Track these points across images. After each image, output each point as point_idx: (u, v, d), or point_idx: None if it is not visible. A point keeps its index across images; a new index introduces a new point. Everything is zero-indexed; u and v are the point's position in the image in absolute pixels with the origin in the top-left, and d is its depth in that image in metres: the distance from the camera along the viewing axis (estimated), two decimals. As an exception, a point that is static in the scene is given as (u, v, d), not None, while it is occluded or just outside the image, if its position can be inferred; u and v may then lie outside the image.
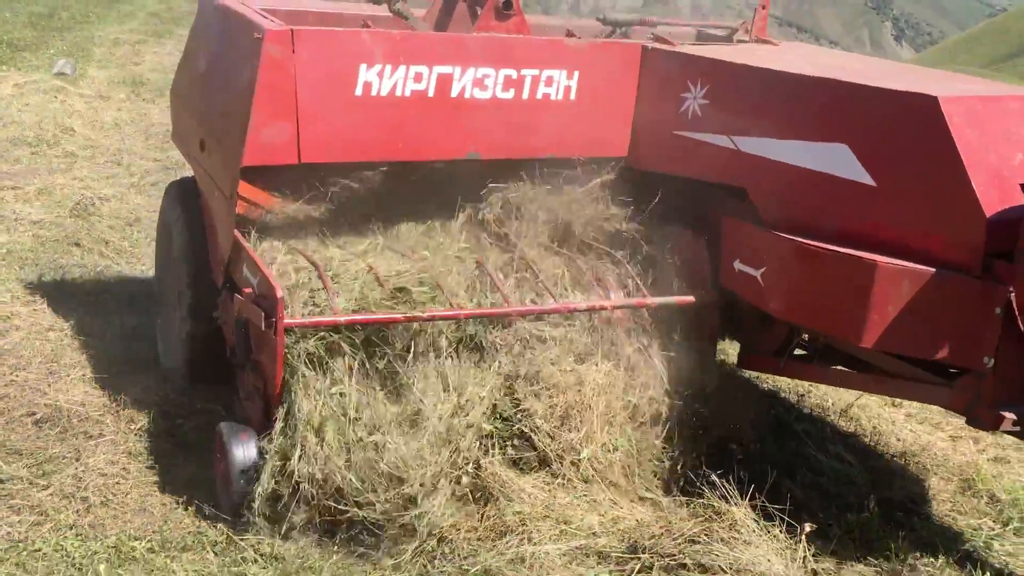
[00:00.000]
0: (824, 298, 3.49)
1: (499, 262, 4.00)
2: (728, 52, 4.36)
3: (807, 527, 3.38)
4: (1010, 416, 3.18)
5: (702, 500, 3.55)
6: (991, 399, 3.21)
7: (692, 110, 4.15)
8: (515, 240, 4.09)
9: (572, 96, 4.20)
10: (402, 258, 3.90)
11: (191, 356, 4.41)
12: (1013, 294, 3.10)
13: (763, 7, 4.91)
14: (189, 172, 4.81)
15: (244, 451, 3.36)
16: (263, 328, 3.28)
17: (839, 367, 3.87)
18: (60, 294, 5.59)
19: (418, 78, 3.91)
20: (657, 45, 4.39)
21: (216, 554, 3.35)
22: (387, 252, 3.95)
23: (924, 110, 3.33)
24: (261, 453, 3.37)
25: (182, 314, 4.41)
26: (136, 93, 11.23)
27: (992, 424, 3.21)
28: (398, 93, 3.89)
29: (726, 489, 3.51)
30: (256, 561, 3.30)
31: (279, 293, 3.28)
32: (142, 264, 6.27)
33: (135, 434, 4.14)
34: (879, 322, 3.31)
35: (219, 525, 3.50)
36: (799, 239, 3.57)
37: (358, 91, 3.83)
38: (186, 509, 3.62)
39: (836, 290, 3.43)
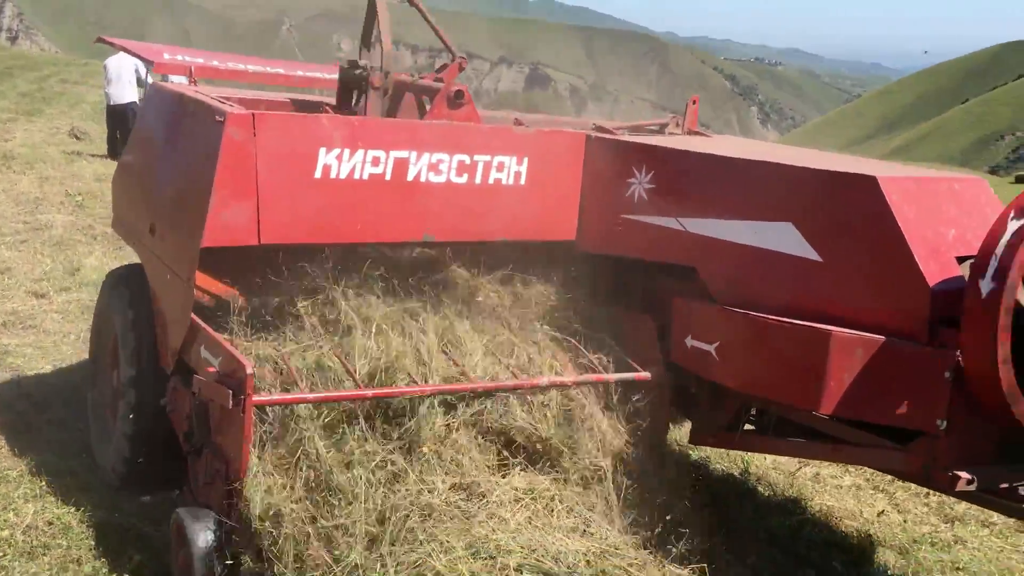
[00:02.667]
0: (780, 369, 3.58)
1: (463, 339, 3.99)
2: (669, 141, 4.55)
3: None
4: (964, 476, 3.27)
5: None
6: (946, 461, 3.31)
7: (638, 194, 4.28)
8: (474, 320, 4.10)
9: (522, 181, 4.30)
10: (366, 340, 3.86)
11: (132, 454, 4.23)
12: (961, 358, 3.25)
13: (693, 102, 5.16)
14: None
15: (205, 537, 3.20)
16: (231, 406, 3.18)
17: (793, 438, 3.95)
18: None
19: (375, 162, 3.96)
20: (599, 134, 4.56)
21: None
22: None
23: (865, 189, 3.52)
24: (223, 538, 3.22)
25: (124, 409, 4.24)
26: (7, 166, 12.40)
27: (948, 485, 3.31)
28: (356, 176, 3.92)
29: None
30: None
31: (249, 369, 3.19)
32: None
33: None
34: (836, 389, 3.41)
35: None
36: (752, 313, 3.68)
37: (317, 174, 3.84)
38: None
39: (792, 360, 3.53)
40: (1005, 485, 3.39)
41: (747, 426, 4.27)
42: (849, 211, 3.56)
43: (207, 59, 4.90)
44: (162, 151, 4.25)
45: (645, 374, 4.04)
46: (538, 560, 3.18)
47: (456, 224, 4.17)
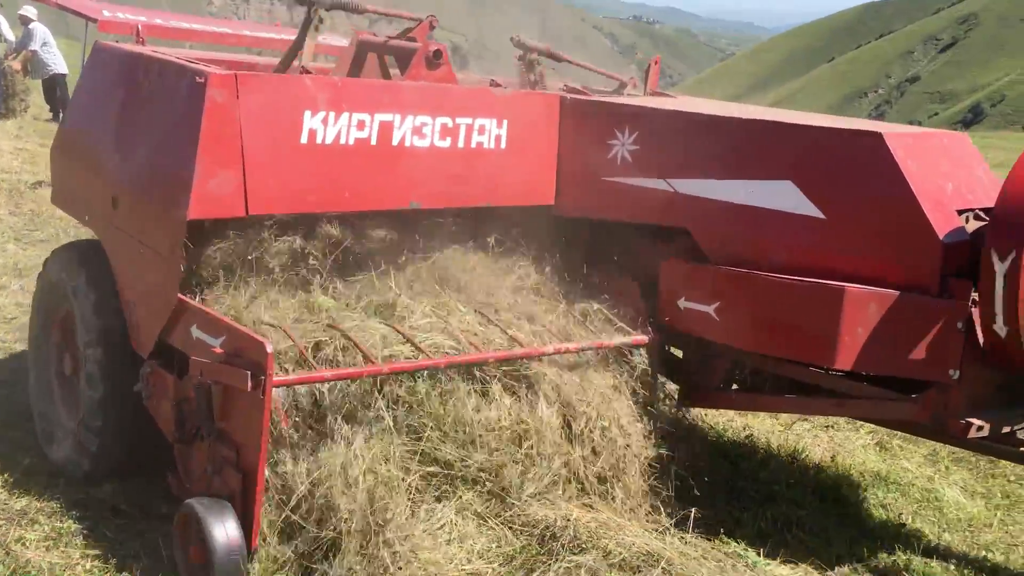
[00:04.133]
0: (791, 327, 3.57)
1: (457, 313, 3.83)
2: (650, 102, 4.46)
3: None
4: (976, 423, 3.35)
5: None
6: (957, 409, 3.38)
7: (621, 156, 4.19)
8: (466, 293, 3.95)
9: (503, 145, 4.15)
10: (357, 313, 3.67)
11: (100, 448, 3.93)
12: (975, 310, 3.30)
13: (655, 63, 5.09)
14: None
15: (226, 530, 2.99)
16: (249, 389, 2.95)
17: (794, 395, 3.96)
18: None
19: (360, 126, 3.74)
20: (575, 96, 4.44)
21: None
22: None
23: (870, 145, 3.51)
24: (245, 529, 3.01)
25: (90, 400, 3.92)
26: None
27: (961, 432, 3.37)
28: (342, 141, 3.70)
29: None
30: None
31: (268, 348, 2.97)
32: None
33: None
34: (850, 345, 3.42)
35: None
36: (759, 273, 3.65)
37: (303, 139, 3.61)
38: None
39: (804, 318, 3.52)
40: (1007, 430, 3.47)
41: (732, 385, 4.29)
42: (854, 168, 3.55)
43: (150, 17, 4.52)
44: (121, 117, 3.89)
45: (643, 337, 3.98)
46: None
47: (441, 190, 3.99)
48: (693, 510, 3.65)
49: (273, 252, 3.75)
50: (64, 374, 4.31)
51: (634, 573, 3.17)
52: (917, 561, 3.88)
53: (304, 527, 3.12)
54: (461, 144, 4.01)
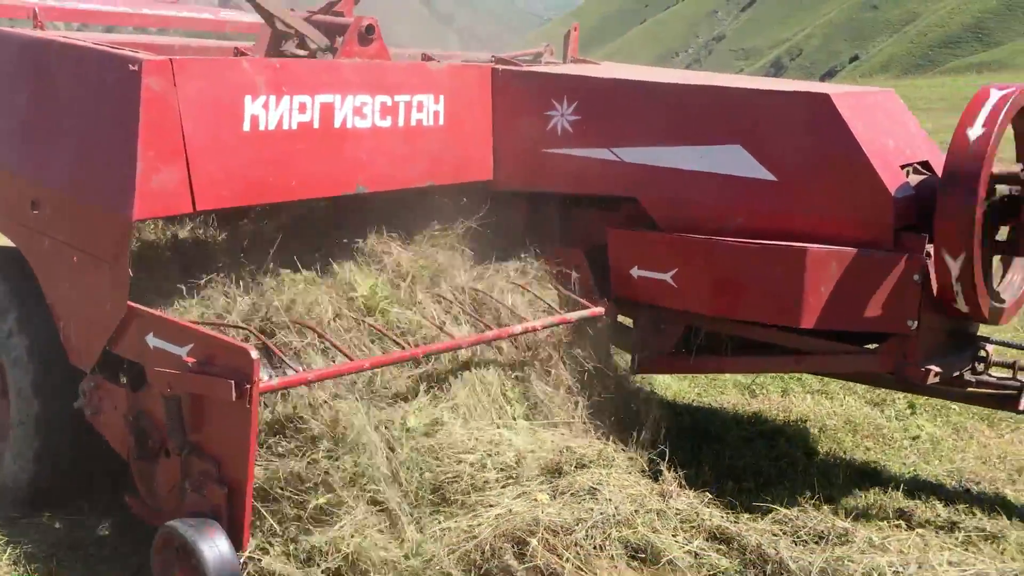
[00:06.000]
0: (753, 290, 3.60)
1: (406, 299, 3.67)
2: (584, 70, 4.38)
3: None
4: (934, 369, 3.48)
5: None
6: (916, 357, 3.50)
7: (561, 127, 4.10)
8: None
9: (441, 121, 3.97)
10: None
11: (37, 474, 3.55)
12: (929, 261, 3.43)
13: (575, 29, 5.00)
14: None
15: (218, 549, 2.74)
16: (234, 398, 2.70)
17: (752, 355, 4.01)
18: None
19: (302, 108, 3.48)
20: (507, 67, 4.31)
21: None
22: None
23: (818, 106, 3.57)
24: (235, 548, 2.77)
25: (22, 425, 3.52)
26: None
27: (921, 379, 3.50)
28: (285, 126, 3.43)
29: None
30: None
31: (253, 354, 2.72)
32: None
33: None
34: (814, 303, 3.48)
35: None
36: (717, 238, 3.66)
37: (246, 126, 3.32)
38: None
39: (767, 280, 3.54)
40: (956, 373, 3.65)
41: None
42: (803, 129, 3.59)
43: (42, -1, 4.03)
44: (31, 112, 3.46)
45: (599, 309, 3.93)
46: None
47: (385, 172, 3.78)
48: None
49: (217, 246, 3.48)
50: None
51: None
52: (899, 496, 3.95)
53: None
54: (401, 123, 3.82)
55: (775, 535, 3.11)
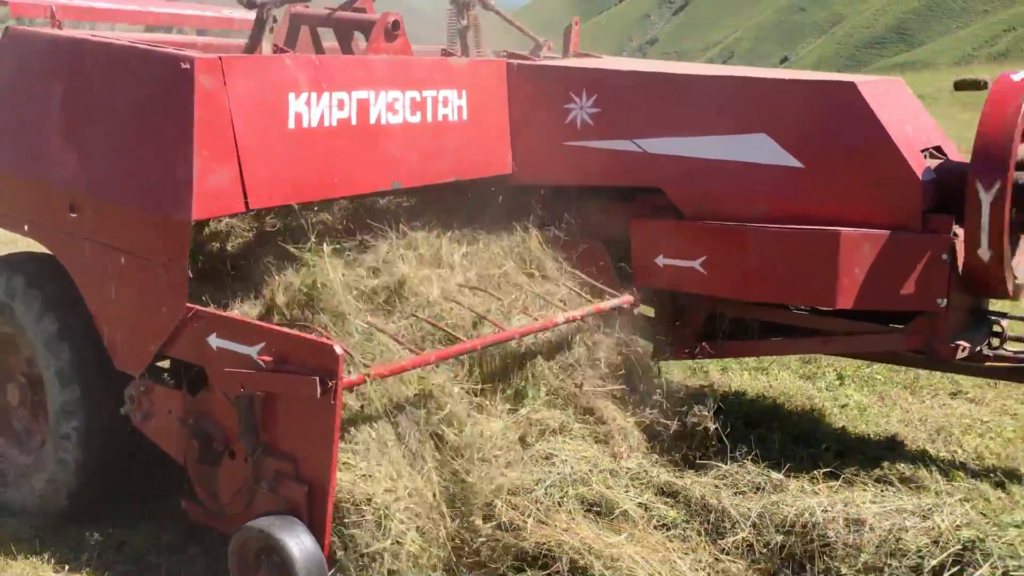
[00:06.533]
0: (788, 273, 3.69)
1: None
2: (601, 63, 4.44)
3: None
4: (963, 344, 3.62)
5: None
6: (945, 334, 3.64)
7: (581, 120, 4.15)
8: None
9: (464, 116, 4.00)
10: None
11: (81, 485, 3.48)
12: (958, 240, 3.56)
13: (575, 23, 5.06)
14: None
15: (303, 545, 2.72)
16: (319, 395, 2.69)
17: (780, 337, 4.10)
18: None
19: (340, 105, 3.48)
20: (522, 62, 4.35)
21: None
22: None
23: (845, 94, 3.67)
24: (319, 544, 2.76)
25: (63, 436, 3.44)
26: None
27: (950, 355, 3.62)
28: (326, 123, 3.43)
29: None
30: None
31: (338, 350, 2.72)
32: None
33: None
34: (849, 285, 3.59)
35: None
36: (753, 224, 3.75)
37: (291, 124, 3.31)
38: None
39: (802, 264, 3.63)
40: (978, 349, 3.79)
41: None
42: (830, 117, 3.69)
43: (60, -5, 3.91)
44: (66, 113, 3.38)
45: (629, 297, 3.99)
46: None
47: (416, 167, 3.80)
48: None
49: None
50: (11, 407, 3.79)
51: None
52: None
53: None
54: (430, 118, 3.84)
55: (717, 487, 3.32)
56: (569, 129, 4.15)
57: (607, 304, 3.89)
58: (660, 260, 3.99)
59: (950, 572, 2.71)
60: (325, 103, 3.42)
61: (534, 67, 4.27)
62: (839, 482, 3.40)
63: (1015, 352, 3.86)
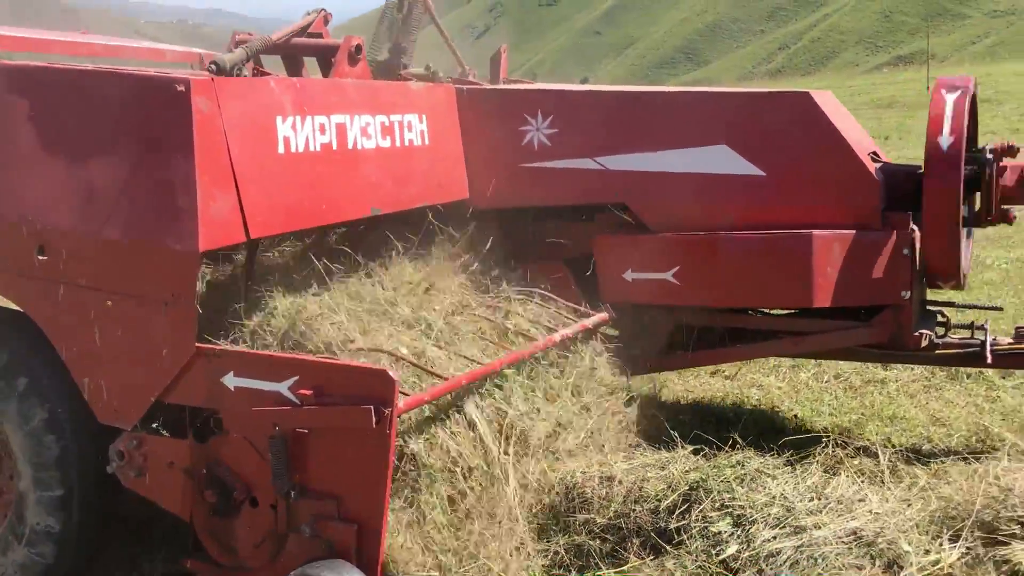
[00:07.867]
0: (763, 278, 3.81)
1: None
2: (548, 86, 4.45)
3: None
4: (927, 333, 3.86)
5: None
6: (909, 325, 3.86)
7: (538, 141, 4.15)
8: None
9: (427, 140, 3.92)
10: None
11: (62, 553, 3.12)
12: (916, 236, 3.79)
13: (503, 51, 5.06)
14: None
15: (360, 587, 2.54)
16: (375, 425, 2.52)
17: (748, 343, 4.21)
18: None
19: (322, 130, 3.33)
20: (467, 86, 4.31)
21: None
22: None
23: (800, 104, 3.85)
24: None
25: (39, 501, 3.07)
26: None
27: (915, 344, 3.84)
28: (311, 148, 3.26)
29: None
30: None
31: (392, 374, 2.57)
32: None
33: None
34: (823, 284, 3.75)
35: None
36: (724, 233, 3.85)
37: (280, 148, 3.13)
38: None
39: (776, 268, 3.76)
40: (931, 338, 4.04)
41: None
42: (787, 126, 3.86)
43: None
44: (27, 147, 3.03)
45: (604, 315, 4.00)
46: None
47: (391, 193, 3.67)
48: None
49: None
50: None
51: None
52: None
53: None
54: (398, 143, 3.73)
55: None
56: (526, 151, 4.14)
57: (590, 322, 3.90)
58: (629, 275, 4.03)
59: (680, 509, 3.10)
60: (309, 127, 3.25)
61: (484, 91, 4.24)
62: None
63: (961, 339, 4.14)
